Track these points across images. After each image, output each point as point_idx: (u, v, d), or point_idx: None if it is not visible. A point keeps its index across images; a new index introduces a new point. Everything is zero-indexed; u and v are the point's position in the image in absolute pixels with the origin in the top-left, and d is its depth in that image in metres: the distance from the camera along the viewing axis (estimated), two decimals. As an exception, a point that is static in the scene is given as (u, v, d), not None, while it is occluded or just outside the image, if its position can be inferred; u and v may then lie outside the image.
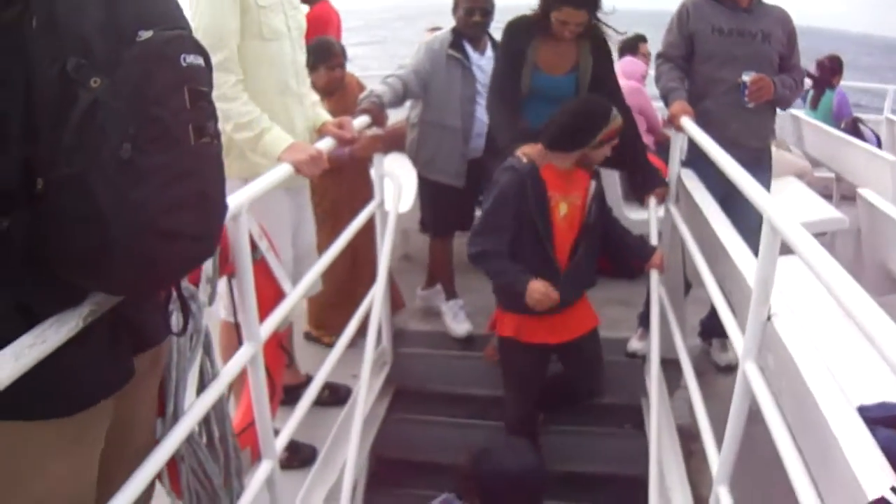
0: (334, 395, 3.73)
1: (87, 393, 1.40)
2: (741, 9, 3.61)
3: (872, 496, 1.40)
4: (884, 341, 1.31)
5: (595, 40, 3.52)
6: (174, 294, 1.74)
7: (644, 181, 3.82)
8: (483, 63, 4.02)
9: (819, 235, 5.61)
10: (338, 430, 3.38)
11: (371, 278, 3.62)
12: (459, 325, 4.36)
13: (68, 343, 1.29)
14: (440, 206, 4.26)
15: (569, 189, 3.16)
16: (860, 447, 1.61)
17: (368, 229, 3.68)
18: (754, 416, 2.06)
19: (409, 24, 59.13)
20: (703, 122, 3.42)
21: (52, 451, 1.38)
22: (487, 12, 3.99)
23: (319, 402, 3.53)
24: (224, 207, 1.52)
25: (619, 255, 3.74)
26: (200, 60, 1.36)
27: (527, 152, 3.15)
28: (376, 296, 3.48)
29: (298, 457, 3.29)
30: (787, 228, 1.87)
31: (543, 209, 3.10)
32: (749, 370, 2.04)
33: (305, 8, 3.94)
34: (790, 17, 3.70)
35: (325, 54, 3.92)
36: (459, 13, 3.99)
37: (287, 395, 3.31)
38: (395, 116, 4.28)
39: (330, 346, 3.43)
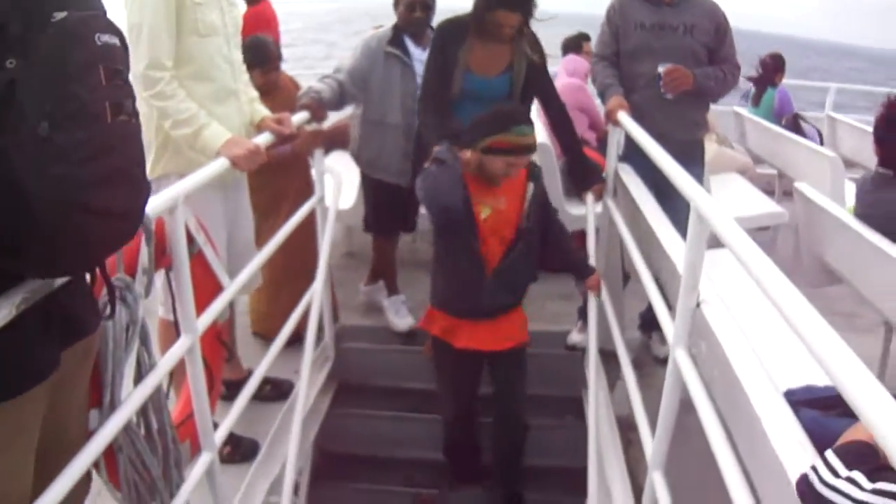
0: (276, 390, 3.72)
1: (16, 381, 1.39)
2: (665, 3, 3.68)
3: (795, 475, 1.44)
4: (803, 328, 1.34)
5: (530, 40, 3.50)
6: (105, 284, 1.75)
7: (583, 177, 3.88)
8: (426, 58, 3.91)
9: (761, 230, 5.77)
10: (279, 425, 3.37)
11: (312, 274, 3.62)
12: (401, 320, 4.39)
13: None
14: (383, 205, 4.25)
15: (492, 193, 3.02)
16: (784, 428, 1.66)
17: (310, 225, 3.68)
18: (690, 404, 2.11)
19: (348, 25, 58.85)
20: (636, 114, 3.50)
21: None
22: (428, 7, 3.99)
23: (261, 397, 3.57)
24: (147, 186, 1.51)
25: (555, 266, 3.56)
26: (115, 40, 1.37)
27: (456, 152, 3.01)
28: (315, 292, 3.49)
29: (240, 450, 3.29)
30: (713, 217, 1.91)
31: (466, 210, 2.98)
32: (679, 357, 2.08)
33: (243, 6, 3.94)
34: (719, 9, 3.73)
35: (260, 57, 3.87)
36: (400, 9, 3.99)
37: (229, 390, 3.31)
38: (336, 115, 4.28)
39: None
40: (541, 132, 4.11)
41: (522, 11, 3.32)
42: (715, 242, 1.94)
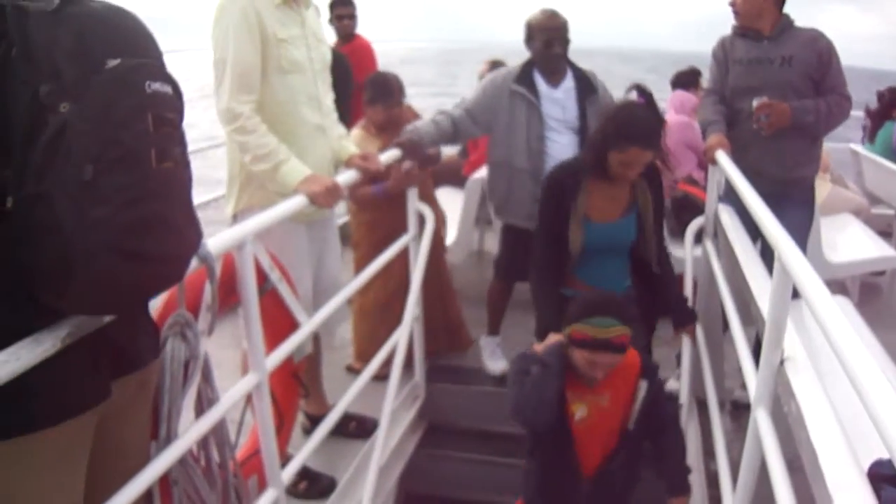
0: (361, 428, 3.68)
1: (64, 407, 1.44)
2: (764, 37, 3.60)
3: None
4: (875, 404, 1.21)
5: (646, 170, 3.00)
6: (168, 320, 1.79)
7: (675, 317, 3.32)
8: (559, 95, 3.79)
9: (875, 275, 5.45)
10: (359, 462, 3.34)
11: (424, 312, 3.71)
12: (495, 363, 4.27)
13: (46, 361, 1.33)
14: (512, 250, 4.00)
15: (592, 390, 2.52)
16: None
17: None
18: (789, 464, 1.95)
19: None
20: (734, 151, 3.43)
21: (37, 465, 1.43)
22: (568, 42, 3.80)
23: (346, 433, 3.56)
24: (193, 233, 1.52)
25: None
26: (168, 88, 1.41)
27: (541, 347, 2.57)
28: (403, 329, 3.45)
29: (317, 487, 3.26)
30: (795, 267, 1.78)
31: (559, 408, 2.48)
32: (759, 418, 1.95)
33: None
34: (824, 38, 3.56)
35: (383, 92, 3.92)
36: (536, 45, 3.78)
37: (315, 426, 3.30)
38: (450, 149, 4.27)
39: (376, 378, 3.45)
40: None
41: (655, 147, 2.88)
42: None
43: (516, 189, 3.79)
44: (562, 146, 3.71)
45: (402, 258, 3.74)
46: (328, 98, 3.18)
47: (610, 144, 2.83)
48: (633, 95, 2.98)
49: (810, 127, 3.55)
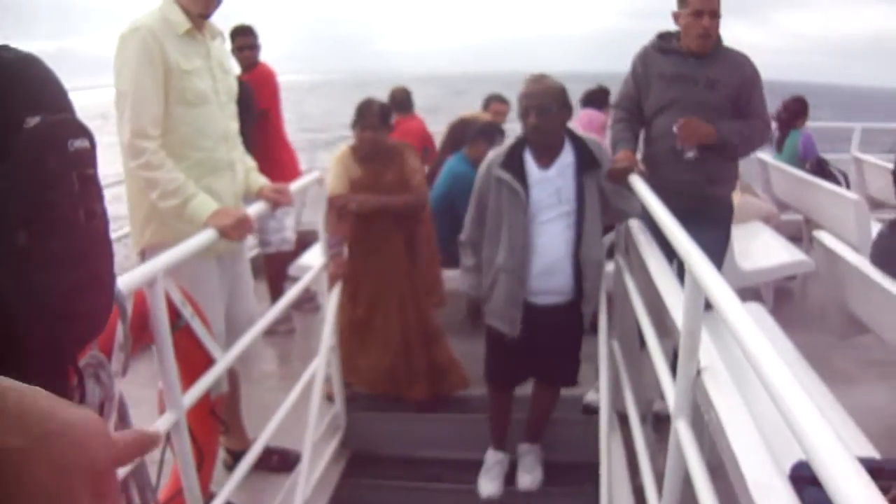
0: (283, 461, 3.62)
1: None
2: (692, 56, 3.52)
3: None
4: (790, 409, 1.24)
5: None
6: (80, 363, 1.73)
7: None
8: (551, 175, 3.34)
9: (789, 279, 5.61)
10: (284, 497, 3.27)
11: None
12: (487, 484, 3.71)
13: None
14: (495, 355, 3.64)
15: None
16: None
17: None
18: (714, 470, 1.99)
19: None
20: (649, 168, 3.42)
21: None
22: (551, 110, 3.30)
23: (269, 467, 3.49)
24: (113, 284, 1.49)
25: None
26: (86, 143, 1.37)
27: None
28: (320, 360, 3.42)
29: (243, 525, 3.18)
30: (705, 280, 1.82)
31: None
32: (680, 429, 1.97)
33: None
34: (749, 64, 3.54)
35: (358, 114, 3.96)
36: (521, 117, 3.40)
37: (237, 461, 3.23)
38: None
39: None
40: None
41: None
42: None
43: (499, 287, 3.40)
44: (549, 238, 3.34)
45: (373, 277, 3.93)
46: (234, 130, 3.13)
47: None
48: None
49: (732, 149, 3.56)
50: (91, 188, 1.35)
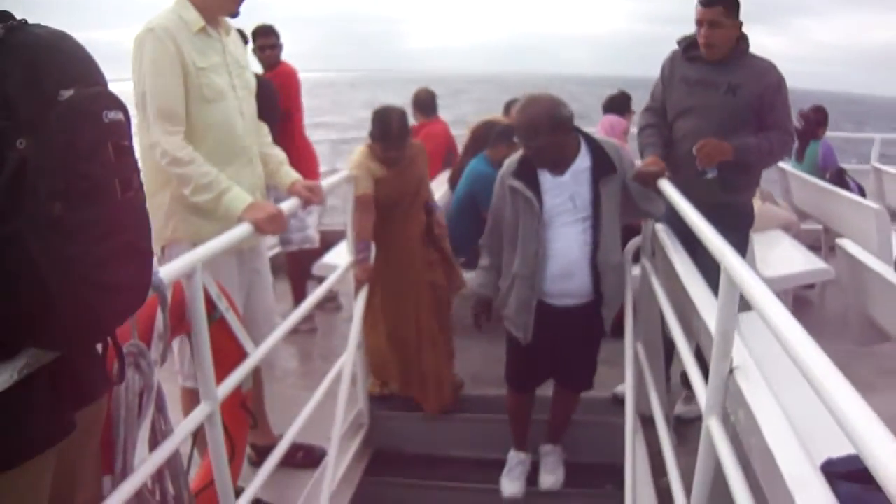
0: (308, 457, 3.65)
1: (28, 444, 1.38)
2: (716, 62, 3.51)
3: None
4: (829, 396, 1.26)
5: None
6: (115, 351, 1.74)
7: None
8: (566, 180, 3.34)
9: (807, 287, 5.61)
10: (309, 492, 3.30)
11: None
12: (510, 484, 3.76)
13: (7, 397, 1.28)
14: (514, 357, 3.67)
15: None
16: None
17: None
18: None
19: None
20: (670, 170, 3.42)
21: None
22: (541, 133, 3.26)
23: (293, 463, 3.51)
24: (150, 256, 1.51)
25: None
26: (121, 115, 1.39)
27: None
28: (347, 357, 3.45)
29: (267, 519, 3.21)
30: (743, 280, 1.83)
31: None
32: (712, 427, 1.99)
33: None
34: (774, 71, 3.48)
35: (381, 134, 3.91)
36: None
37: (260, 456, 3.26)
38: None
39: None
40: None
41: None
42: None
43: (514, 292, 3.44)
44: (566, 243, 3.34)
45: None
46: (254, 124, 3.15)
47: None
48: None
49: (751, 164, 3.56)
50: (127, 159, 1.37)
